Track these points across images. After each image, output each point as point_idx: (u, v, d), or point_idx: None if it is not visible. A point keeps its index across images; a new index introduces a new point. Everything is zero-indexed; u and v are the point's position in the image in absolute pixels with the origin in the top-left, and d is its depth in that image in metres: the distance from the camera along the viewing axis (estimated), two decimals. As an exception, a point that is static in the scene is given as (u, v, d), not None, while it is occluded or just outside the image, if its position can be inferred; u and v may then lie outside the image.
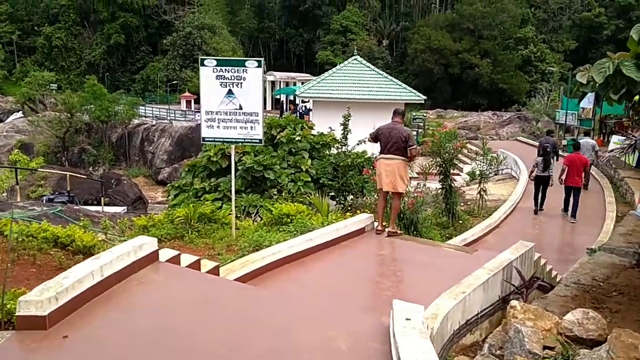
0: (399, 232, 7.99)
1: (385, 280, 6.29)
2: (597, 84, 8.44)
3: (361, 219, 7.92)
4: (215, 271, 5.46)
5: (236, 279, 5.66)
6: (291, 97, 48.33)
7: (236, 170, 16.03)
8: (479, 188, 14.89)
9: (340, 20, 75.01)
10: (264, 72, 54.86)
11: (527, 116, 51.74)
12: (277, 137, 16.50)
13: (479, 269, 5.93)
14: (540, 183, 14.45)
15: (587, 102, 23.97)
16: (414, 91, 23.95)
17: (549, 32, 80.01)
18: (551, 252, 10.82)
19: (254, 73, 8.38)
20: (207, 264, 5.46)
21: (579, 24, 77.09)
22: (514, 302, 4.87)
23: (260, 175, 15.40)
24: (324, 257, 6.84)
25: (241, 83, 8.36)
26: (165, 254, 5.01)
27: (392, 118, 8.22)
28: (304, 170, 15.63)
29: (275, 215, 9.20)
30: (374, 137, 8.17)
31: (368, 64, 25.71)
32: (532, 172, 14.78)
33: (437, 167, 12.95)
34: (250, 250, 7.39)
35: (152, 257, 4.73)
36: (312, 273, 6.39)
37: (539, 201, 14.54)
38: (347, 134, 15.73)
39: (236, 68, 8.37)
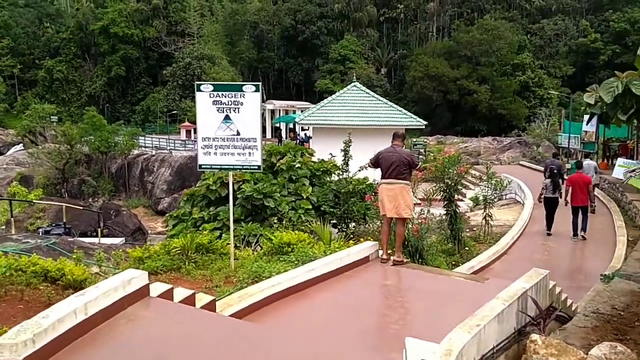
0: (404, 260, 7.64)
1: (393, 312, 5.91)
2: (606, 104, 8.20)
3: (365, 247, 7.57)
4: (211, 306, 5.10)
5: (233, 314, 5.29)
6: (291, 125, 48.38)
7: (235, 198, 15.75)
8: (484, 213, 14.54)
9: (339, 49, 75.57)
10: (264, 101, 55.02)
11: (528, 141, 51.64)
12: (277, 165, 16.23)
13: (493, 299, 5.56)
14: (550, 205, 14.50)
15: (590, 125, 23.80)
16: (414, 116, 23.79)
17: (546, 58, 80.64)
18: (562, 279, 10.40)
19: (251, 98, 8.14)
20: (202, 298, 5.10)
21: (575, 49, 77.76)
22: (534, 336, 4.49)
23: (260, 204, 15.08)
24: (326, 288, 6.47)
25: (239, 108, 8.11)
26: (157, 288, 4.66)
27: (392, 141, 7.94)
28: (304, 197, 15.31)
29: (275, 244, 8.85)
30: (375, 163, 7.88)
31: (367, 90, 25.62)
32: (541, 194, 14.83)
33: (441, 193, 12.62)
34: (249, 282, 7.03)
35: (143, 292, 4.38)
36: (314, 306, 6.02)
37: (550, 224, 14.52)
38: (348, 160, 15.45)
39: (233, 93, 8.12)
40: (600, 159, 23.79)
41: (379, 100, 24.37)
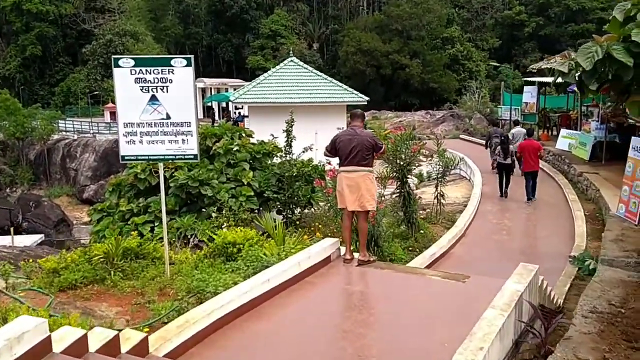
0: (370, 259, 6.63)
1: (369, 330, 4.90)
2: (584, 72, 7.43)
3: (325, 246, 6.51)
4: (142, 347, 3.88)
5: (171, 352, 4.11)
6: (223, 104, 46.48)
7: (168, 187, 14.29)
8: (436, 192, 13.80)
9: (269, 24, 73.50)
10: (195, 77, 52.87)
11: (460, 114, 52.07)
12: (213, 148, 14.85)
13: (489, 309, 4.64)
14: (503, 170, 15.30)
15: (530, 96, 23.69)
16: (356, 92, 22.80)
17: (474, 31, 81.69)
18: (528, 261, 9.77)
19: (182, 74, 6.81)
20: (130, 337, 3.86)
21: (501, 22, 79.09)
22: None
23: (196, 192, 13.71)
24: (286, 302, 5.38)
25: (167, 87, 6.76)
26: (65, 336, 3.38)
27: (350, 122, 6.87)
28: (245, 183, 14.07)
29: (218, 244, 7.62)
30: (332, 149, 6.79)
31: (306, 66, 24.31)
32: (494, 161, 15.66)
33: (394, 173, 11.73)
34: (189, 300, 5.80)
35: (42, 349, 3.11)
36: (272, 327, 4.91)
37: (504, 188, 15.32)
38: (290, 141, 14.30)
39: (160, 68, 6.76)
40: (541, 130, 23.76)
41: (318, 75, 23.18)
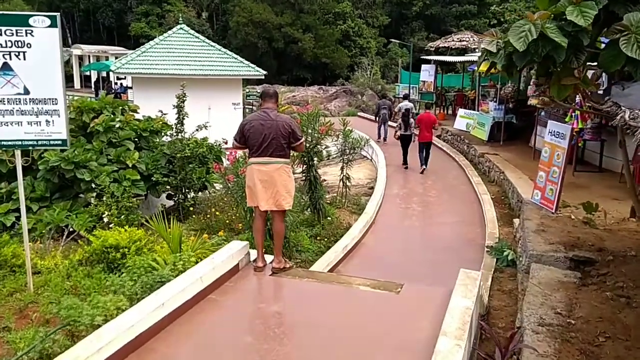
0: (287, 265, 5.62)
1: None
2: (515, 53, 6.84)
3: (232, 252, 5.39)
4: None
5: None
6: (104, 74, 42.87)
7: (36, 170, 12.31)
8: (342, 175, 13.03)
9: (154, -11, 68.87)
10: (68, 45, 47.78)
11: (353, 90, 52.28)
12: (92, 125, 12.95)
13: (440, 337, 3.82)
14: (405, 141, 16.26)
15: (428, 75, 23.65)
16: (253, 65, 21.34)
17: (365, 8, 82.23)
18: (444, 251, 9.30)
19: (45, 36, 5.30)
20: None
21: (390, 0, 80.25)
22: None
23: (71, 176, 11.87)
24: (184, 333, 4.24)
25: (24, 52, 5.23)
26: None
27: (261, 104, 5.75)
28: (130, 166, 12.40)
29: (97, 248, 6.23)
30: (240, 138, 5.64)
31: (197, 35, 22.36)
32: (396, 132, 16.53)
33: (300, 157, 10.74)
34: (57, 338, 4.45)
35: None
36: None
37: (405, 158, 16.35)
38: (182, 117, 12.80)
39: (14, 29, 5.20)
40: (438, 109, 23.86)
41: (212, 46, 21.40)
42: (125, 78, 31.39)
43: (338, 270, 8.45)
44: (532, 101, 13.77)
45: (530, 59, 6.84)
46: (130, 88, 23.87)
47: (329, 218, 11.60)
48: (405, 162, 16.34)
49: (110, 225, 11.26)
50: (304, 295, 5.05)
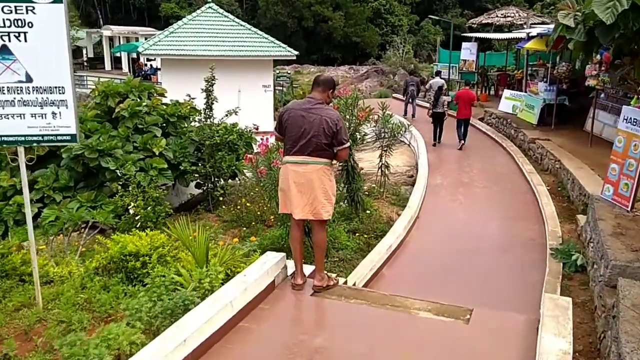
0: (330, 283, 4.78)
1: None
2: (599, 26, 5.81)
3: (267, 268, 4.58)
4: None
5: None
6: (134, 55, 42.50)
7: (59, 158, 11.74)
8: (381, 163, 12.11)
9: (184, -31, 68.15)
10: (99, 26, 47.48)
11: (384, 69, 50.98)
12: (117, 110, 12.29)
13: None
14: (436, 119, 16.28)
15: (469, 53, 22.34)
16: (283, 45, 20.39)
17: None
18: (499, 251, 8.37)
19: (49, 13, 4.51)
20: None
21: (424, -24, 78.03)
22: None
23: (95, 165, 11.25)
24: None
25: (25, 33, 4.46)
26: None
27: (311, 91, 4.86)
28: (157, 153, 11.73)
29: (115, 256, 5.50)
30: (279, 129, 4.79)
31: (226, 14, 21.44)
32: (429, 110, 16.58)
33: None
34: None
35: None
36: None
37: (438, 136, 16.46)
38: (211, 102, 12.03)
39: (12, 5, 4.42)
40: (480, 90, 22.58)
41: (241, 25, 20.47)
42: (155, 59, 30.81)
43: (382, 274, 7.62)
44: (591, 82, 12.55)
45: (617, 35, 5.83)
46: (160, 69, 23.23)
47: (367, 211, 10.74)
48: (435, 139, 16.42)
49: (137, 217, 10.67)
50: (353, 323, 4.21)
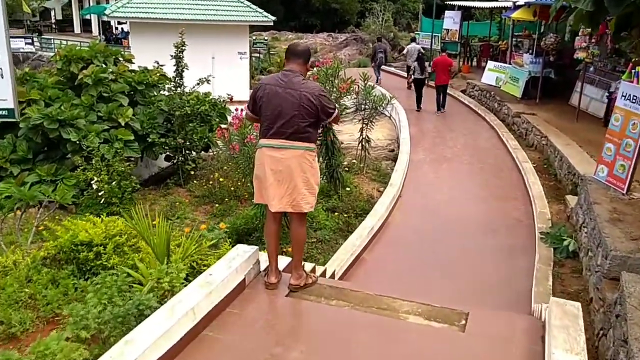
0: (310, 280, 4.24)
1: None
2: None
3: (237, 264, 4.01)
4: None
5: None
6: (104, 18, 40.78)
7: (17, 128, 10.89)
8: (361, 137, 11.55)
9: None
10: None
11: (363, 37, 50.02)
12: (80, 77, 11.43)
13: None
14: (419, 84, 16.51)
15: (452, 22, 21.64)
16: (260, 10, 19.35)
17: (376, -51, 78.61)
18: (484, 236, 7.93)
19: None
20: None
21: (404, -59, 76.53)
22: None
23: (56, 136, 10.46)
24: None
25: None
26: None
27: (285, 64, 4.23)
28: (123, 124, 10.96)
29: (65, 245, 4.87)
30: (253, 107, 4.17)
31: (200, -25, 20.46)
32: (410, 77, 17.19)
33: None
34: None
35: None
36: None
37: (419, 101, 16.61)
38: (182, 69, 11.26)
39: None
40: (462, 61, 21.96)
41: (215, -13, 19.48)
42: (126, 23, 29.43)
43: (363, 259, 7.13)
44: (580, 54, 12.06)
45: (630, 4, 5.29)
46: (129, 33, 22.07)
47: (347, 188, 10.21)
48: (419, 106, 16.61)
49: (100, 193, 9.98)
50: (334, 330, 3.67)
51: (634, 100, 7.04)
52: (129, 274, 4.13)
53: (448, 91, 17.03)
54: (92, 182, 9.94)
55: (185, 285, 3.77)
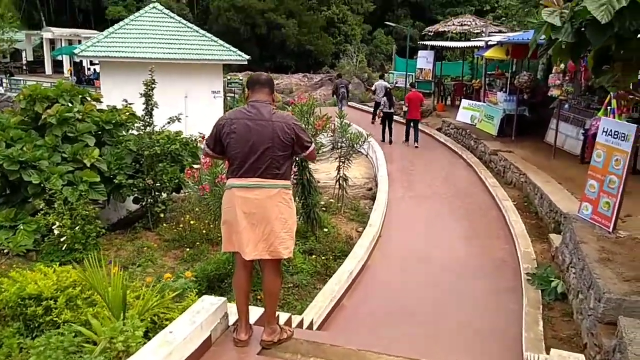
0: (284, 334, 3.81)
1: None
2: (591, 26, 5.09)
3: (201, 319, 3.57)
4: None
5: None
6: (76, 59, 40.51)
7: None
8: (338, 176, 11.25)
9: (132, -28, 66.04)
10: (39, 28, 45.20)
11: (355, 84, 50.68)
12: (44, 116, 10.97)
13: None
14: (386, 119, 17.43)
15: (426, 61, 21.80)
16: (234, 49, 19.21)
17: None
18: (469, 278, 7.58)
19: None
20: None
21: (375, -14, 78.80)
22: None
23: (16, 178, 9.93)
24: None
25: None
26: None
27: (248, 95, 3.89)
28: (88, 165, 10.48)
29: (11, 299, 4.36)
30: (215, 145, 3.79)
31: (172, 14, 20.05)
32: (380, 111, 17.73)
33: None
34: None
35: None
36: None
37: (388, 135, 17.45)
38: (151, 108, 10.89)
39: None
40: (437, 99, 22.02)
41: (188, 27, 19.13)
42: (99, 63, 29.13)
43: (343, 306, 6.70)
44: (554, 92, 12.06)
45: (612, 36, 5.14)
46: (101, 74, 21.67)
47: (325, 229, 9.83)
48: (383, 137, 17.38)
49: (62, 239, 9.43)
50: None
51: (615, 136, 6.88)
52: (80, 331, 3.65)
53: (424, 129, 17.30)
54: (53, 227, 9.41)
55: (144, 344, 3.32)
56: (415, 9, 69.77)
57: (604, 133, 7.09)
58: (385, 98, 17.39)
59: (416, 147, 16.47)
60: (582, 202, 7.42)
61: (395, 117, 17.93)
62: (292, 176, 9.23)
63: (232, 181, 3.65)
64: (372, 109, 21.22)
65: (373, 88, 21.05)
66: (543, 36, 5.60)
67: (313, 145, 3.85)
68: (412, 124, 16.62)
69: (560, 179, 10.56)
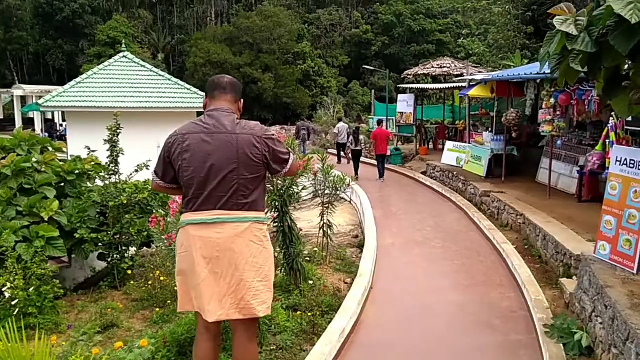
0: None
1: None
2: (615, 28, 4.45)
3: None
4: None
5: None
6: (48, 115, 39.75)
7: None
8: (322, 222, 10.39)
9: (107, 30, 66.22)
10: (8, 85, 44.51)
11: (316, 129, 50.87)
12: (-1, 167, 10.01)
13: None
14: (356, 155, 18.69)
15: (406, 105, 21.38)
16: (208, 96, 18.55)
17: (324, 48, 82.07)
18: (475, 332, 6.67)
19: None
20: None
21: (349, 40, 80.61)
22: None
23: (-37, 236, 8.86)
24: None
25: None
26: None
27: (209, 101, 3.09)
28: (46, 219, 9.47)
29: None
30: (164, 171, 2.95)
31: (143, 63, 19.39)
32: (348, 150, 19.11)
33: (270, 201, 8.12)
34: None
35: None
36: None
37: (357, 170, 18.65)
38: (116, 154, 10.03)
39: None
40: (418, 143, 21.50)
41: (160, 75, 18.41)
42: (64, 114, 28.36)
43: (336, 371, 5.71)
44: (545, 127, 11.53)
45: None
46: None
47: (309, 281, 8.87)
48: (356, 173, 18.35)
49: (14, 302, 8.33)
50: None
51: (631, 165, 6.20)
52: None
53: (408, 173, 17.63)
54: (4, 289, 8.32)
55: None
56: (389, 61, 71.11)
57: (618, 162, 6.41)
58: (352, 137, 18.80)
59: (381, 180, 17.69)
60: (598, 241, 6.64)
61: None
62: (272, 223, 8.37)
63: (186, 216, 2.77)
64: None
65: (335, 130, 22.82)
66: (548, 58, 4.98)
67: (292, 155, 3.01)
68: (381, 160, 17.79)
69: (561, 218, 9.85)
